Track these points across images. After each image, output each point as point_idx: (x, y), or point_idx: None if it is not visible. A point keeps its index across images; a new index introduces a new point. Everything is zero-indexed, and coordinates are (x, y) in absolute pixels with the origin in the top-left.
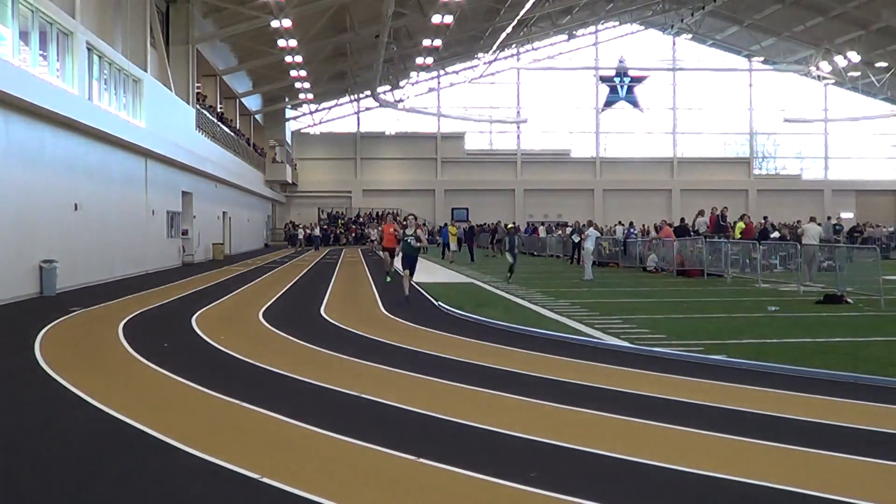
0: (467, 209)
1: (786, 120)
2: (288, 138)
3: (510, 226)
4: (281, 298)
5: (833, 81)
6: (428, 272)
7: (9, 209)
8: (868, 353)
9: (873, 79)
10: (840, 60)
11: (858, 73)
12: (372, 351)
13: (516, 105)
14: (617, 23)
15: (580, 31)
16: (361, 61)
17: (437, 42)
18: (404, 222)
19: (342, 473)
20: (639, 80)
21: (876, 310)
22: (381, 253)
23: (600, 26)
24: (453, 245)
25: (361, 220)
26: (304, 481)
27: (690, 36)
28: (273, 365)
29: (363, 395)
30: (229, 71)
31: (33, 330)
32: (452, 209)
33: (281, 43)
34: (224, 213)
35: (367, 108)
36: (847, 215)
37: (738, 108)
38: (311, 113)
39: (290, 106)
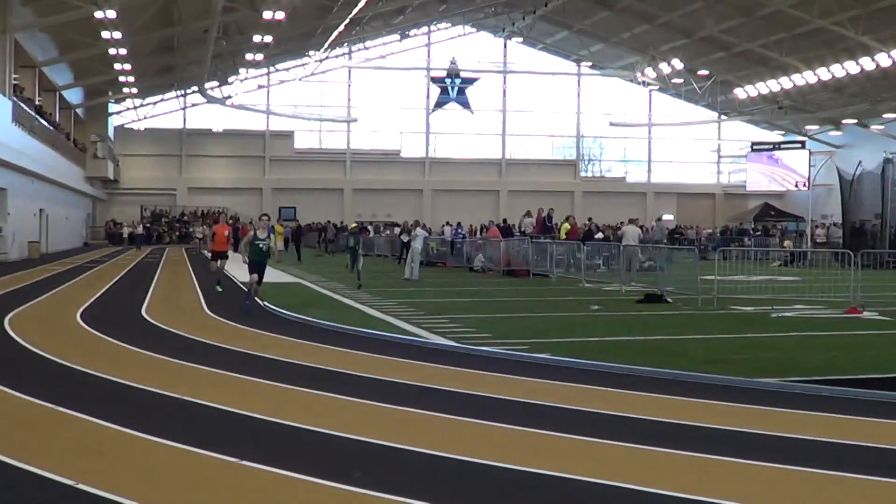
0: (295, 208)
1: (611, 124)
2: (111, 134)
3: (353, 226)
4: (101, 298)
5: (657, 87)
6: None
7: None
8: (686, 351)
9: (695, 86)
10: (664, 67)
11: (682, 80)
12: (193, 351)
13: (347, 104)
14: (449, 24)
15: (413, 32)
16: (189, 56)
17: (268, 38)
18: (259, 223)
19: (161, 477)
20: (470, 81)
21: (694, 308)
22: (205, 252)
23: (433, 27)
24: (280, 244)
25: (186, 218)
26: (121, 486)
27: (521, 39)
28: (90, 366)
29: (183, 397)
30: (49, 62)
31: None
32: (280, 208)
33: (105, 35)
34: (41, 210)
35: (195, 104)
36: (668, 217)
37: (566, 112)
38: (135, 108)
39: (113, 100)
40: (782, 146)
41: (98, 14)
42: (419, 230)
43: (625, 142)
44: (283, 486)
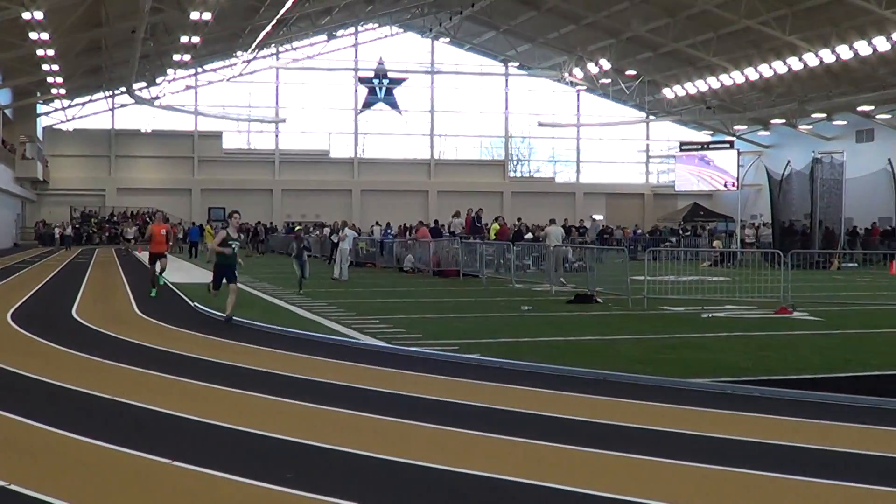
0: (224, 209)
1: (540, 124)
2: (40, 134)
3: (298, 227)
4: (31, 299)
5: (585, 88)
6: (184, 272)
7: None
8: (616, 351)
9: (623, 86)
10: (592, 67)
11: (609, 81)
12: (124, 352)
13: (275, 105)
14: (377, 25)
15: (340, 32)
16: (117, 57)
17: (196, 39)
18: (231, 220)
19: (95, 478)
20: (398, 82)
21: (624, 309)
22: (134, 253)
23: (360, 28)
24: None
25: (116, 219)
26: (55, 488)
27: (448, 40)
28: (20, 367)
29: (114, 397)
30: None
31: None
32: (209, 209)
33: (33, 35)
34: None
35: (123, 105)
36: (598, 217)
37: (495, 112)
38: (64, 108)
39: (42, 101)
40: (711, 146)
41: (26, 15)
42: (348, 230)
43: (553, 142)
44: (215, 487)
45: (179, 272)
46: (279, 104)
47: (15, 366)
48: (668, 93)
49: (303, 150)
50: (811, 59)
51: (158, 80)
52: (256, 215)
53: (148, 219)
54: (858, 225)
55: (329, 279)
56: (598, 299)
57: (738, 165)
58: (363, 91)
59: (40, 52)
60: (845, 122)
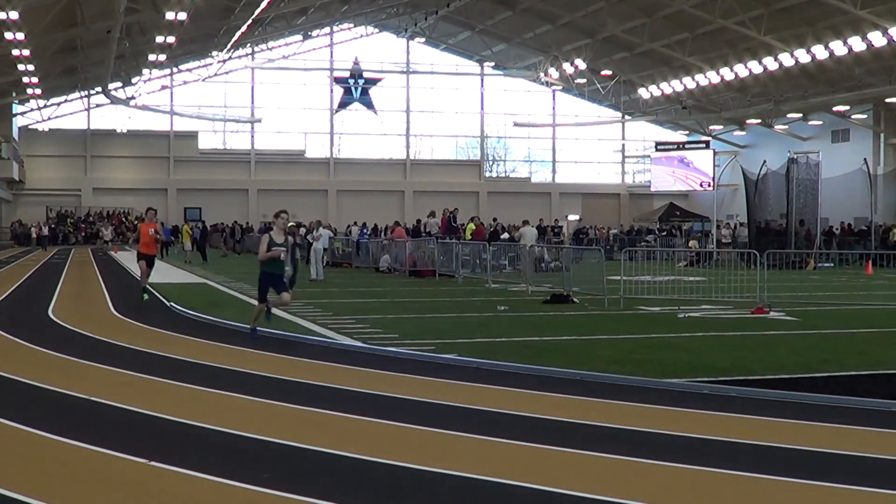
0: (200, 209)
1: (516, 124)
2: (15, 134)
3: (291, 224)
4: (6, 299)
5: (561, 88)
6: (160, 273)
7: None
8: (592, 351)
9: (599, 86)
10: (568, 67)
11: (585, 81)
12: (100, 352)
13: (251, 105)
14: (352, 25)
15: (315, 32)
16: (93, 57)
17: (171, 39)
18: (279, 221)
19: (71, 478)
20: (373, 82)
21: (600, 309)
22: (111, 253)
23: (335, 28)
24: (187, 245)
25: (92, 219)
26: (31, 488)
27: (424, 40)
28: None
29: (90, 397)
30: None
31: None
32: (185, 209)
33: (8, 36)
34: None
35: (98, 105)
36: (574, 217)
37: (470, 112)
38: (39, 108)
39: (17, 101)
40: (687, 146)
41: (0, 15)
42: (322, 230)
43: (529, 142)
44: (192, 487)
45: (155, 272)
46: (255, 104)
47: None
48: (643, 93)
49: (278, 150)
50: (787, 59)
51: (134, 80)
52: (232, 215)
53: (123, 219)
54: (834, 225)
55: (305, 279)
56: (575, 299)
57: (714, 165)
58: (339, 91)
59: (15, 52)
60: (821, 123)
